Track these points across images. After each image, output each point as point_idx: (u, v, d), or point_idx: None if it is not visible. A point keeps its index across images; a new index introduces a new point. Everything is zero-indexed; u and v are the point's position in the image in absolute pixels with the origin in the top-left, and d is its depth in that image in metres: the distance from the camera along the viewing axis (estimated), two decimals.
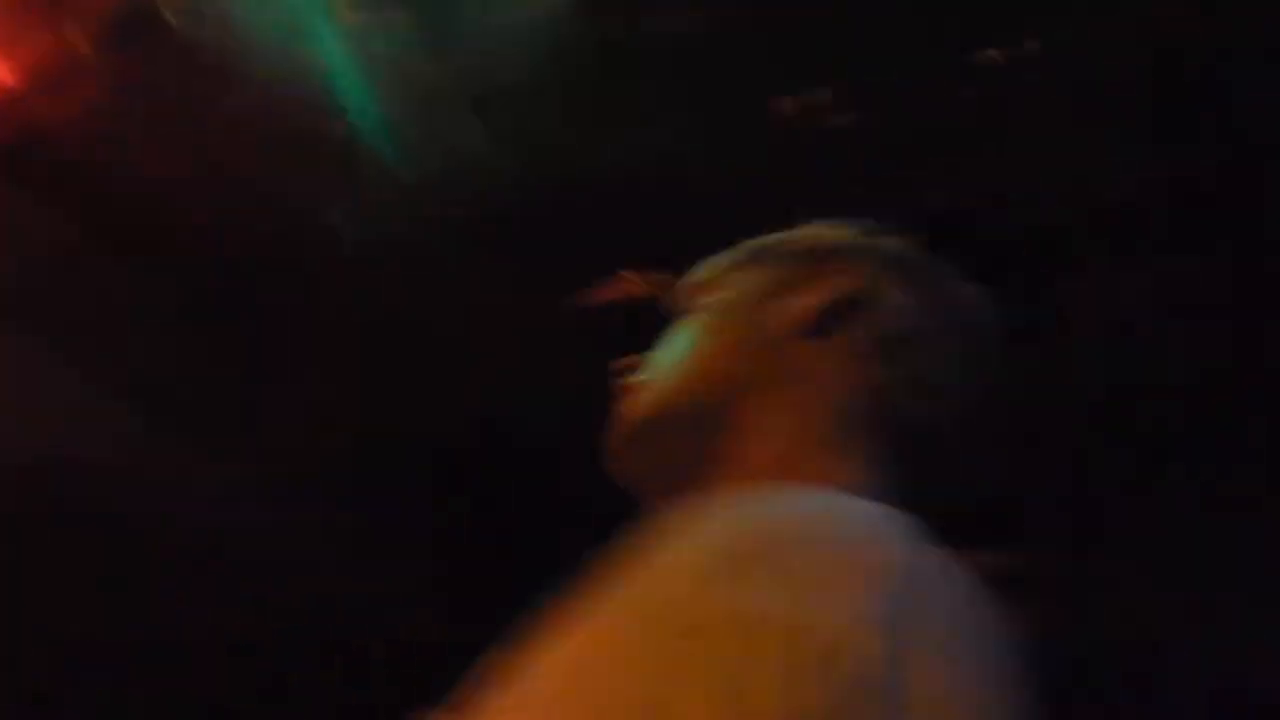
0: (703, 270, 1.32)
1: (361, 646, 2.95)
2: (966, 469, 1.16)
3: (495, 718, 0.71)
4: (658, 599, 0.69)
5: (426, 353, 2.59)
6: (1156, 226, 2.36)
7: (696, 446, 1.08)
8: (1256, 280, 2.29)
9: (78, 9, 2.16)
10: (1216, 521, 2.31)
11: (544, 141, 2.36)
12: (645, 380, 1.19)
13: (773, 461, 1.01)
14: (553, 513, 2.69)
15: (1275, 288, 2.26)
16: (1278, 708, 2.19)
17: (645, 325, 2.49)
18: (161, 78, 2.14)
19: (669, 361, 1.19)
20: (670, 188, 2.45)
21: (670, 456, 1.11)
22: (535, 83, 2.22)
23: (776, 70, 2.37)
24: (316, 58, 2.13)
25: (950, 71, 2.26)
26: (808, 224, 1.33)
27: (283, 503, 2.76)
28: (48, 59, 2.19)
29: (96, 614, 2.87)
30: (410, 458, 2.75)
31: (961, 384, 1.15)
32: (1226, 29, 2.07)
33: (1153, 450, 2.30)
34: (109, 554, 2.80)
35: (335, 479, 2.68)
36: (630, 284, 2.32)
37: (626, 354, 1.27)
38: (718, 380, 1.12)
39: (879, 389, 1.09)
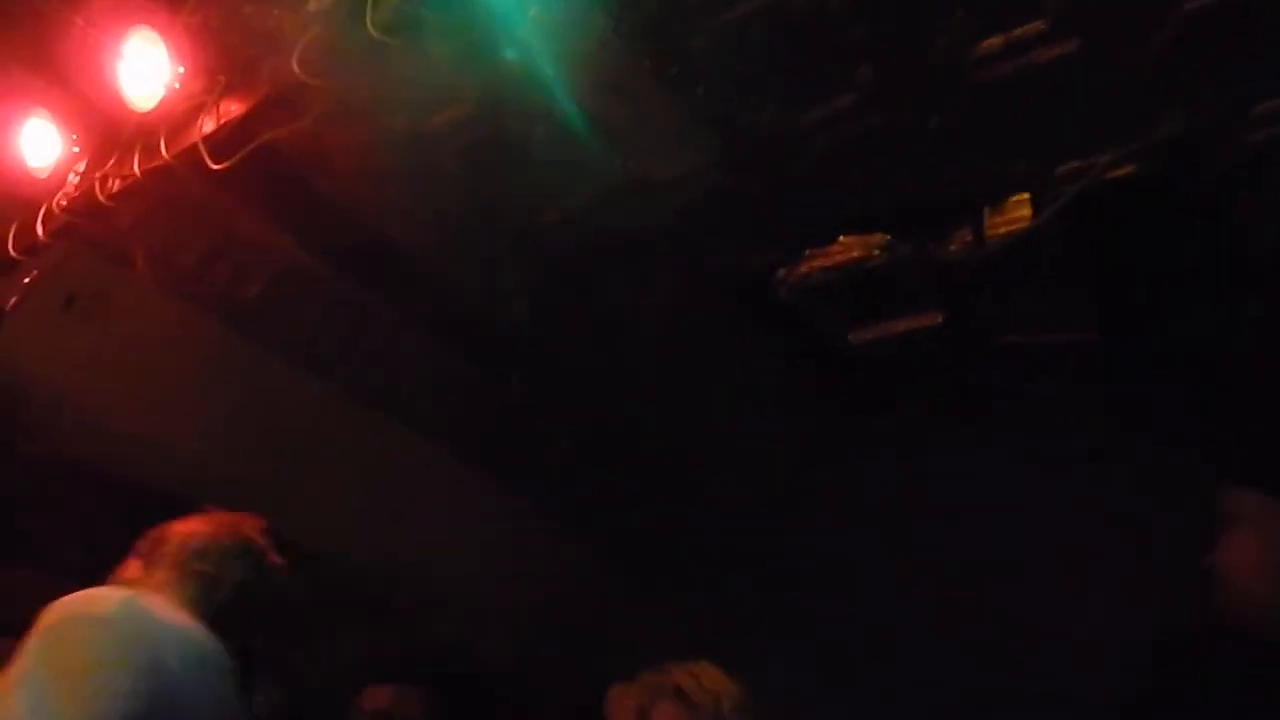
0: None
1: None
2: None
3: None
4: None
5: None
6: None
7: None
8: None
9: (291, 41, 2.26)
10: None
11: (742, 118, 2.32)
12: None
13: None
14: None
15: None
16: None
17: (865, 287, 2.44)
18: (377, 95, 2.22)
19: None
20: (872, 148, 2.37)
21: None
22: (728, 59, 2.18)
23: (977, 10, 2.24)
24: (519, 61, 2.16)
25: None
26: None
27: None
28: (270, 89, 2.30)
29: None
30: None
31: None
32: None
33: None
34: None
35: None
36: (849, 247, 2.27)
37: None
38: None
39: None
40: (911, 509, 3.11)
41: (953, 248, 2.40)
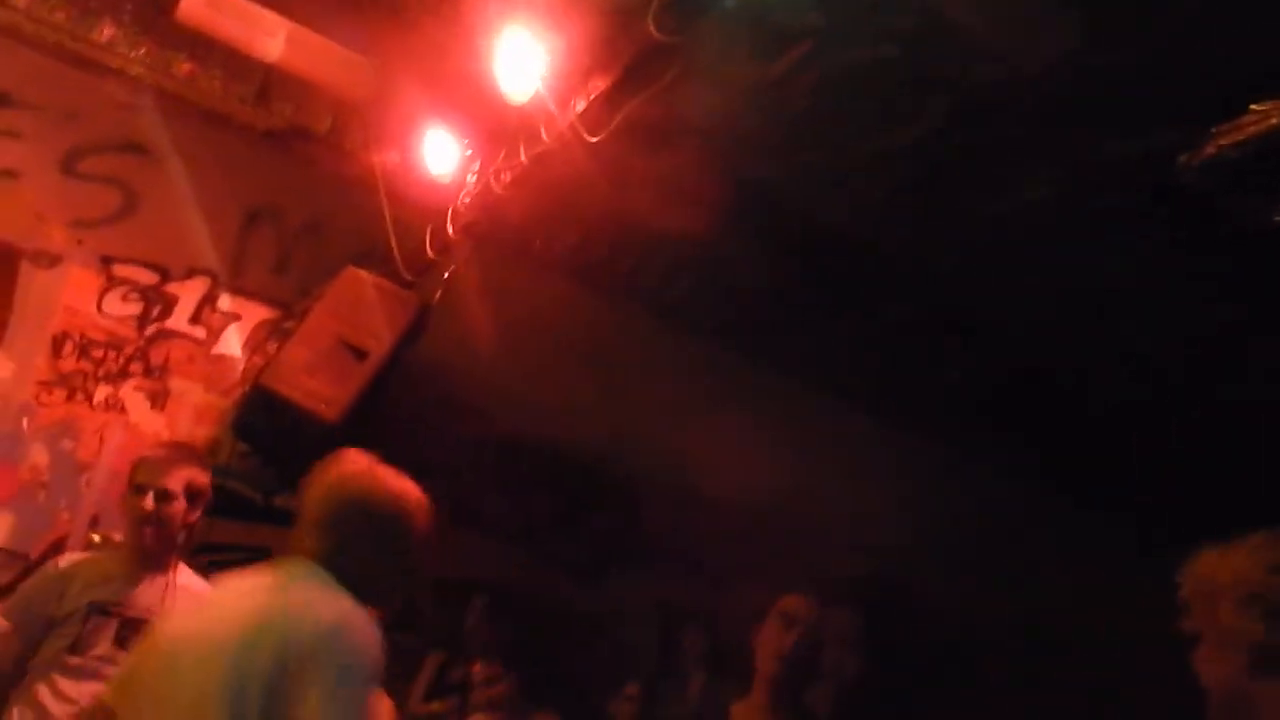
0: None
1: None
2: None
3: None
4: None
5: None
6: None
7: None
8: None
9: (642, 10, 2.36)
10: None
11: None
12: None
13: None
14: None
15: None
16: None
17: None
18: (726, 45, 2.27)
19: None
20: None
21: None
22: None
23: None
24: None
25: None
26: None
27: None
28: (630, 58, 2.42)
29: None
30: None
31: None
32: None
33: None
34: None
35: None
36: (1266, 114, 1.98)
37: None
38: None
39: None
40: None
41: None
